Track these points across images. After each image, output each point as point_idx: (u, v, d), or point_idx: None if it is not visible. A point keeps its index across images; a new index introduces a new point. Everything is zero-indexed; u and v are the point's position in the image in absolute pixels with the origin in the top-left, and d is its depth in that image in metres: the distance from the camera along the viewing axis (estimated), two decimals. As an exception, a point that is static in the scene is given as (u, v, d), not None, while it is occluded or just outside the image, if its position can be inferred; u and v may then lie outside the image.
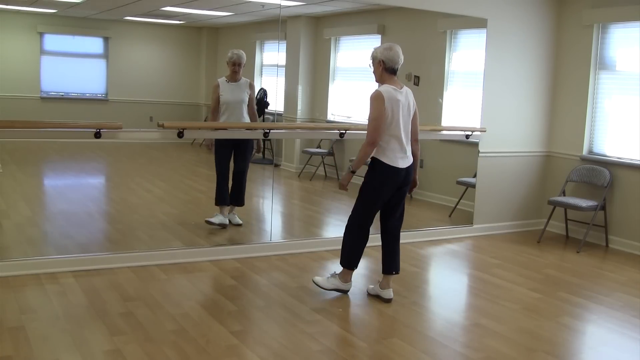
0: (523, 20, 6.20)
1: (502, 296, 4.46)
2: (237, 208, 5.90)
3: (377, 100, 3.97)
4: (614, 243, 6.01)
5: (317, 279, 4.33)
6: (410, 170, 4.15)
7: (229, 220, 5.80)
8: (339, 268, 4.33)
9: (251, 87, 5.72)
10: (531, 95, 6.40)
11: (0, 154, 7.75)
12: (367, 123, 4.02)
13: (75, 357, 3.16)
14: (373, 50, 4.11)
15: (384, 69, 4.03)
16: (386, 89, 4.00)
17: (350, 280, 4.28)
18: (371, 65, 4.13)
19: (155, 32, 9.16)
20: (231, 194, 5.79)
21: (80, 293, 4.05)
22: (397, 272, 4.28)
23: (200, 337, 3.46)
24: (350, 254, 4.23)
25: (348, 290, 4.28)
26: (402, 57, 4.07)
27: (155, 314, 3.77)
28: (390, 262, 4.25)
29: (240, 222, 5.84)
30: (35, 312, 3.70)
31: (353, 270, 4.26)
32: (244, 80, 5.68)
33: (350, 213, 4.26)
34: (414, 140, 4.21)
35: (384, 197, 4.13)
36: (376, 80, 4.12)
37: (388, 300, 4.18)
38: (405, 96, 4.07)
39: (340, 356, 3.37)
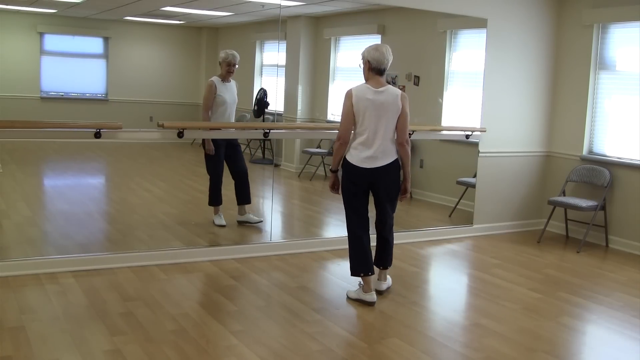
0: (523, 20, 6.20)
1: (502, 296, 4.46)
2: (247, 206, 5.90)
3: (346, 97, 4.06)
4: (614, 243, 6.01)
5: (349, 291, 4.28)
6: (383, 171, 4.06)
7: (246, 220, 5.84)
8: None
9: (237, 86, 5.81)
10: (531, 95, 6.40)
11: (0, 154, 7.75)
12: None
13: (75, 357, 3.16)
14: (364, 49, 4.12)
15: (370, 68, 4.06)
16: (359, 87, 4.05)
17: (370, 290, 4.14)
18: (361, 65, 4.15)
19: (155, 32, 9.16)
20: (239, 194, 5.82)
21: (80, 293, 4.05)
22: (384, 267, 4.31)
23: (200, 337, 3.46)
24: (352, 260, 4.18)
25: (372, 303, 4.10)
26: (389, 58, 4.06)
27: (155, 314, 3.77)
28: (378, 257, 4.30)
29: (260, 219, 5.94)
30: (35, 312, 3.70)
31: (362, 276, 4.13)
32: (233, 81, 5.75)
33: None
34: (399, 144, 4.12)
35: (355, 195, 4.12)
36: (364, 79, 4.14)
37: (379, 292, 4.23)
38: (384, 96, 4.02)
39: (340, 356, 3.37)
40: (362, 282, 4.18)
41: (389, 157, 4.08)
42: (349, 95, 4.04)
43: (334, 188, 4.21)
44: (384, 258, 4.32)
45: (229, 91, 5.66)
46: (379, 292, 4.27)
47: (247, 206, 5.90)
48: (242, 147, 5.99)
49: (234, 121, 5.82)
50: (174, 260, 4.81)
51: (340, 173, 4.20)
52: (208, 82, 5.65)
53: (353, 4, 7.29)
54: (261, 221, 5.92)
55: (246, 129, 5.72)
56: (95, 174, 8.83)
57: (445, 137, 6.48)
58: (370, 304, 4.11)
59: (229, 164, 5.79)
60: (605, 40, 6.13)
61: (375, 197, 4.19)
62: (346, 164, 4.11)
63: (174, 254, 4.87)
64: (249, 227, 5.87)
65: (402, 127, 4.11)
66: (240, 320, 3.77)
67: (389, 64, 4.09)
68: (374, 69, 4.05)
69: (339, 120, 4.14)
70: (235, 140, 5.83)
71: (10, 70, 7.98)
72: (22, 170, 8.15)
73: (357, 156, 4.06)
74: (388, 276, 4.43)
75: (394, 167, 4.11)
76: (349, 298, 4.21)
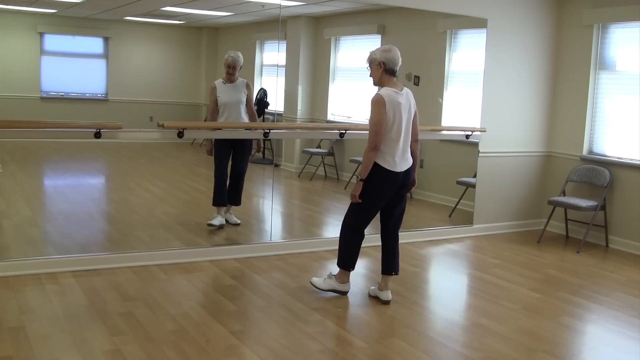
0: (523, 20, 6.20)
1: (502, 296, 4.46)
2: (234, 208, 5.90)
3: (378, 104, 3.93)
4: (614, 243, 6.01)
5: (314, 279, 4.32)
6: (409, 171, 4.12)
7: (226, 220, 5.81)
8: (335, 269, 4.32)
9: (248, 87, 5.72)
10: (531, 95, 6.40)
11: (0, 154, 7.75)
12: (368, 126, 3.99)
13: (75, 357, 3.16)
14: (370, 53, 4.08)
15: (385, 70, 4.00)
16: (387, 92, 3.97)
17: (347, 281, 4.25)
18: (369, 67, 4.09)
19: (155, 32, 9.17)
20: (229, 194, 5.81)
21: (80, 293, 4.05)
22: (396, 273, 4.24)
23: (200, 337, 3.47)
24: (346, 255, 4.21)
25: (346, 292, 4.26)
26: (400, 58, 4.06)
27: (155, 314, 3.77)
28: (389, 263, 4.23)
29: (238, 221, 5.84)
30: (35, 312, 3.70)
31: (349, 271, 4.23)
32: (240, 80, 5.69)
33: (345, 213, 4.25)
34: (414, 140, 4.19)
35: (382, 201, 4.11)
36: (374, 83, 4.09)
37: (386, 302, 4.17)
38: (406, 98, 4.04)
39: (340, 356, 3.37)
40: (332, 273, 4.27)
41: (411, 157, 4.15)
42: (381, 101, 3.92)
43: (357, 197, 4.05)
44: (394, 262, 4.24)
45: (230, 92, 5.62)
46: (387, 302, 4.18)
47: (233, 207, 5.88)
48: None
49: (244, 121, 5.68)
50: (174, 260, 4.81)
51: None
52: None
53: (353, 4, 7.29)
54: (239, 224, 5.84)
55: (246, 128, 5.70)
56: (95, 174, 8.83)
57: (445, 137, 6.47)
58: (345, 293, 4.23)
59: (232, 162, 5.78)
60: (605, 40, 6.13)
61: (396, 198, 4.14)
62: (382, 171, 3.98)
63: (174, 254, 4.87)
64: (249, 227, 5.87)
65: (416, 124, 4.18)
66: (240, 320, 3.77)
67: None
68: (388, 70, 4.01)
69: (371, 129, 3.94)
70: (246, 141, 5.73)
71: (10, 70, 7.98)
72: (22, 170, 8.15)
73: (393, 161, 4.00)
74: None
75: (412, 166, 4.17)
76: (317, 288, 4.26)
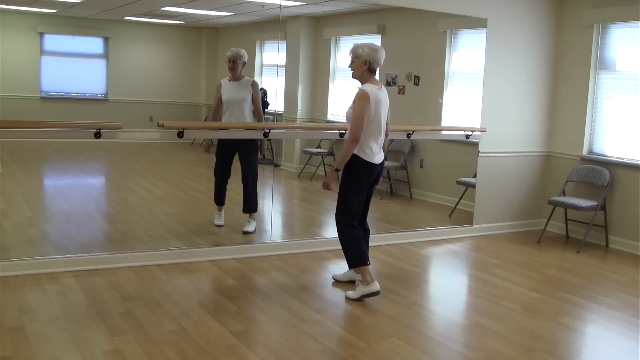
0: (523, 20, 6.20)
1: (502, 296, 4.46)
2: (253, 215, 5.65)
3: (363, 99, 4.07)
4: (614, 243, 6.01)
5: (348, 292, 4.27)
6: (383, 164, 4.33)
7: (245, 228, 5.61)
8: (353, 273, 4.34)
9: (254, 86, 5.57)
10: (531, 95, 6.40)
11: (0, 154, 7.75)
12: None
13: (75, 357, 3.16)
14: (356, 46, 4.15)
15: (368, 68, 4.13)
16: (371, 88, 4.11)
17: (372, 280, 4.18)
18: (352, 60, 4.17)
19: (155, 32, 9.17)
20: (243, 200, 5.62)
21: (80, 293, 4.05)
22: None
23: (200, 337, 3.47)
24: (353, 252, 4.26)
25: (377, 292, 4.17)
26: (383, 59, 4.20)
27: (155, 314, 3.77)
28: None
29: (250, 230, 5.58)
30: (35, 312, 3.70)
31: (366, 265, 4.20)
32: (246, 79, 5.60)
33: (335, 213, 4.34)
34: (387, 135, 4.38)
35: (363, 191, 4.26)
36: (355, 77, 4.20)
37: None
38: (384, 95, 4.23)
39: (340, 356, 3.37)
40: (359, 279, 4.23)
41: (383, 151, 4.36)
42: (366, 96, 4.06)
43: (329, 186, 4.25)
44: (367, 249, 4.42)
45: (234, 90, 5.52)
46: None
47: (253, 215, 5.64)
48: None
49: (248, 120, 5.53)
50: (174, 260, 4.81)
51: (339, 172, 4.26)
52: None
53: (353, 4, 7.29)
54: (249, 232, 5.59)
55: (246, 129, 5.71)
56: (95, 174, 8.83)
57: (445, 137, 6.47)
58: (377, 293, 4.17)
59: (240, 165, 5.65)
60: (605, 40, 6.13)
61: (370, 191, 4.37)
62: (363, 163, 4.17)
63: (174, 254, 4.87)
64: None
65: (388, 121, 4.36)
66: (240, 320, 3.77)
67: None
68: (372, 69, 4.16)
69: (354, 121, 4.07)
70: (250, 141, 5.53)
71: (10, 70, 7.97)
72: (22, 170, 8.15)
73: (372, 154, 4.20)
74: None
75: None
76: (351, 299, 4.18)
